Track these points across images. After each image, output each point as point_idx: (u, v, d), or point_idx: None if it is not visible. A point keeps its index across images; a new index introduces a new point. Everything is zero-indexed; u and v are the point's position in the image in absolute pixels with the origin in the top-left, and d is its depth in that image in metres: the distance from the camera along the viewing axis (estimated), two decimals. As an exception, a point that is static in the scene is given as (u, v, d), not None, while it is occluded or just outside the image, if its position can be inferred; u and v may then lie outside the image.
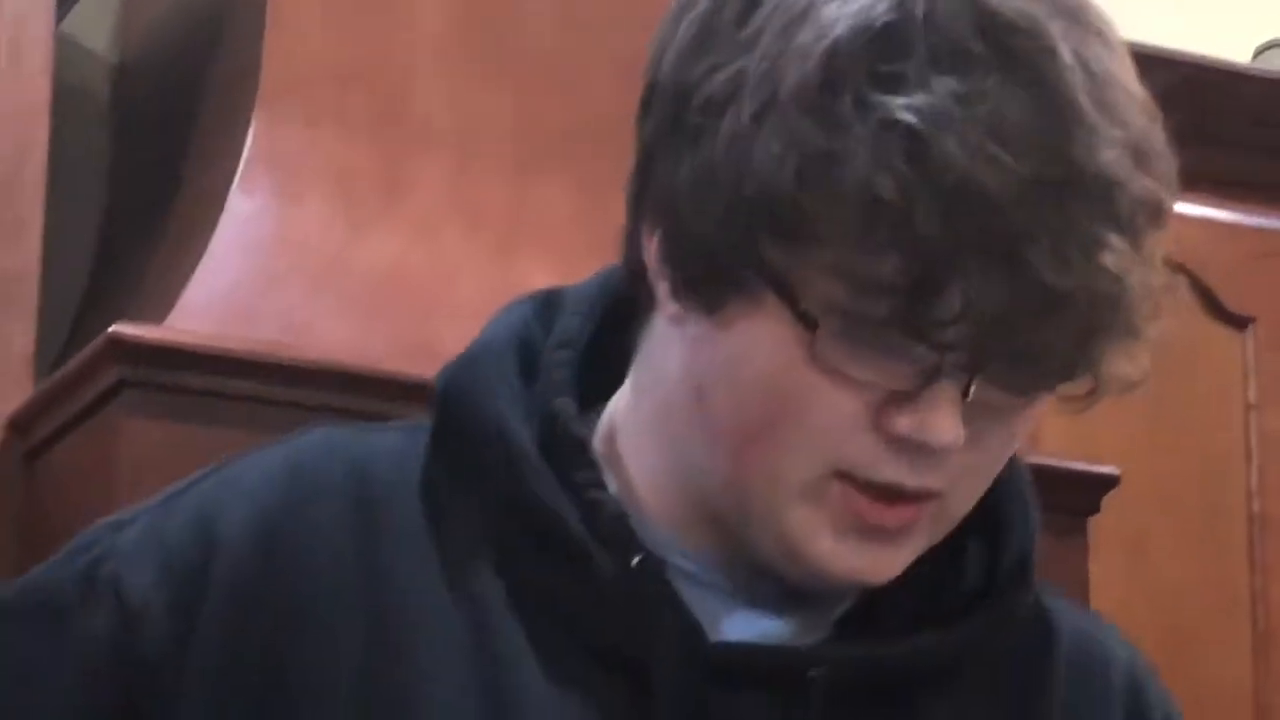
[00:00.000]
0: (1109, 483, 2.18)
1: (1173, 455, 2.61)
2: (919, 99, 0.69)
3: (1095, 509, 2.19)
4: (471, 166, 2.16)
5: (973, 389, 0.72)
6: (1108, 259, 0.70)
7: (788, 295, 0.72)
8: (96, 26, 2.50)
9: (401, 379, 1.76)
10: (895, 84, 0.69)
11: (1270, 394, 2.68)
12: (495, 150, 2.18)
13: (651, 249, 0.77)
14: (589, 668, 0.79)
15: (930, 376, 0.71)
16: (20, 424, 2.02)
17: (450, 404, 0.85)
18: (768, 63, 0.72)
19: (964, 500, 0.79)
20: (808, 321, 0.71)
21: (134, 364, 1.82)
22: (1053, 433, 2.14)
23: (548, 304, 0.89)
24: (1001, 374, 0.72)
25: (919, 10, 0.71)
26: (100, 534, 0.84)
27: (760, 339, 0.74)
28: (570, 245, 2.13)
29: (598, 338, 0.86)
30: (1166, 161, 0.73)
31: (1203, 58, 2.69)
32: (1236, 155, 2.76)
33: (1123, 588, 2.50)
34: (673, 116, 0.76)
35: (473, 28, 2.24)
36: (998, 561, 0.85)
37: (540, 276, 2.01)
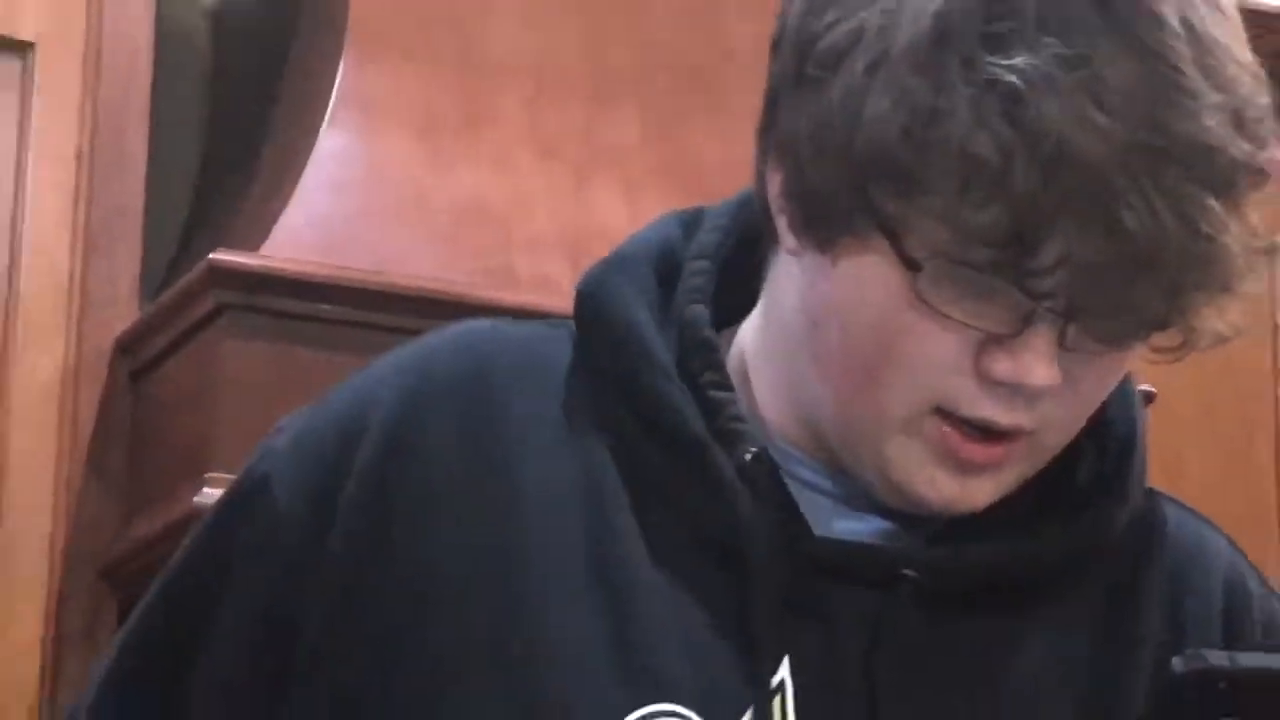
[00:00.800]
0: (1147, 399, 2.17)
1: (1204, 374, 2.52)
2: (1023, 60, 0.70)
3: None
4: (545, 100, 2.20)
5: (1068, 335, 0.74)
6: (1202, 220, 0.72)
7: (894, 239, 0.74)
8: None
9: (482, 303, 1.79)
10: (1002, 44, 0.71)
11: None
12: (568, 83, 2.22)
13: (774, 186, 0.79)
14: (695, 557, 0.81)
15: (1027, 321, 0.73)
16: (127, 346, 2.07)
17: (586, 304, 0.87)
18: (884, 18, 0.74)
19: (1056, 439, 0.81)
20: (912, 264, 0.74)
21: (232, 289, 1.87)
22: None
23: (691, 221, 0.90)
24: (1095, 323, 0.74)
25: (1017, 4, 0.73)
26: (266, 439, 0.90)
27: (869, 278, 0.77)
28: (640, 174, 2.22)
29: (737, 255, 0.88)
30: (1267, 125, 0.74)
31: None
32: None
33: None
34: (796, 64, 0.77)
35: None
36: (1101, 471, 0.87)
37: (611, 204, 2.20)
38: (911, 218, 0.73)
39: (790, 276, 0.82)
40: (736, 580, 0.80)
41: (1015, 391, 0.75)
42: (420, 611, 0.82)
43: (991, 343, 0.74)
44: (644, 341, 0.84)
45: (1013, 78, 0.70)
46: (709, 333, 0.84)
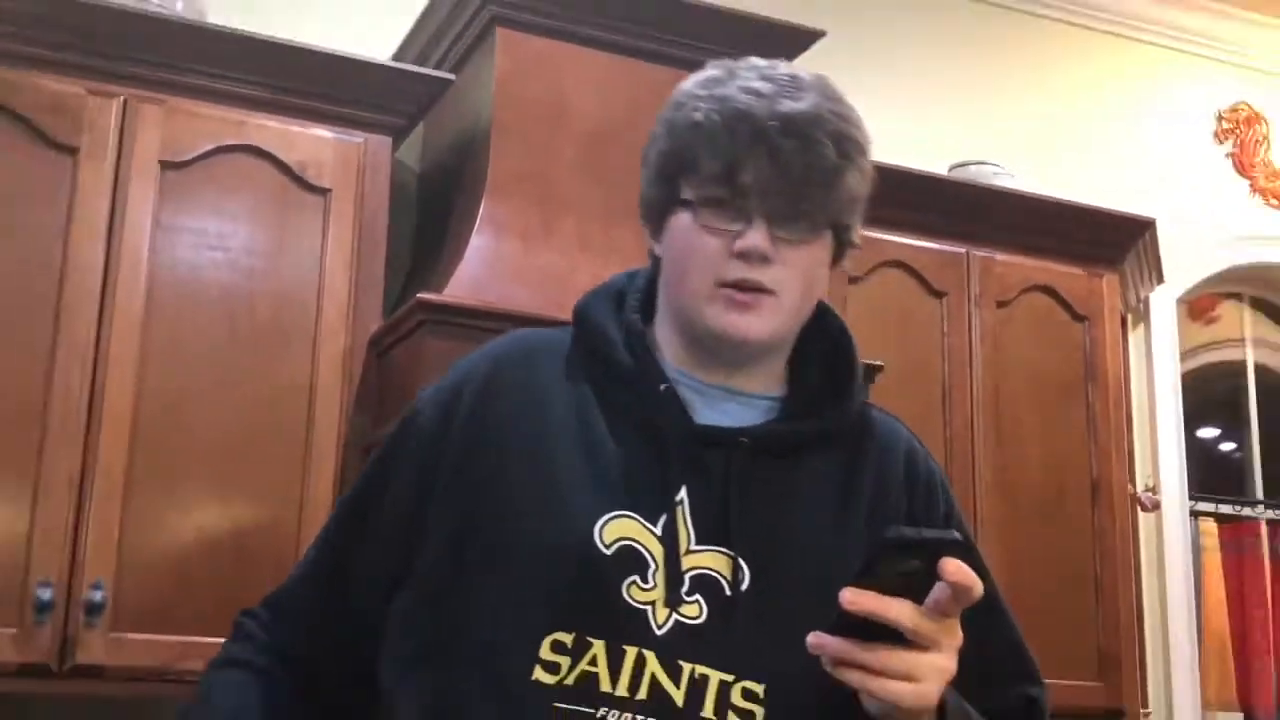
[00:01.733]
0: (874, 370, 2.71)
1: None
2: (718, 84, 1.11)
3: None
4: (594, 225, 2.77)
5: (771, 228, 1.08)
6: (831, 158, 1.07)
7: (681, 200, 1.11)
8: (411, 150, 3.14)
9: (547, 318, 1.94)
10: (709, 86, 1.13)
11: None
12: (606, 217, 2.76)
13: (645, 228, 1.20)
14: (634, 434, 1.13)
15: (749, 222, 1.08)
16: (375, 341, 2.62)
17: (579, 316, 1.21)
18: (667, 113, 1.17)
19: (789, 300, 1.12)
20: (690, 205, 1.11)
21: (429, 311, 2.41)
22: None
23: (633, 273, 1.25)
24: (783, 222, 1.09)
25: (720, 75, 1.14)
26: (421, 393, 1.25)
27: (678, 230, 1.13)
28: (608, 250, 2.69)
29: (654, 290, 1.22)
30: (856, 122, 1.13)
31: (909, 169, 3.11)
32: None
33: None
34: (643, 172, 1.19)
35: (601, 147, 2.83)
36: (840, 387, 1.19)
37: (605, 270, 2.18)
38: (684, 187, 1.11)
39: (660, 271, 1.18)
40: (659, 449, 1.12)
41: (752, 258, 1.08)
42: (501, 466, 1.14)
43: (736, 237, 1.08)
44: (607, 333, 1.18)
45: (712, 90, 1.10)
46: (639, 325, 1.18)
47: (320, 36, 2.82)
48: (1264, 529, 4.30)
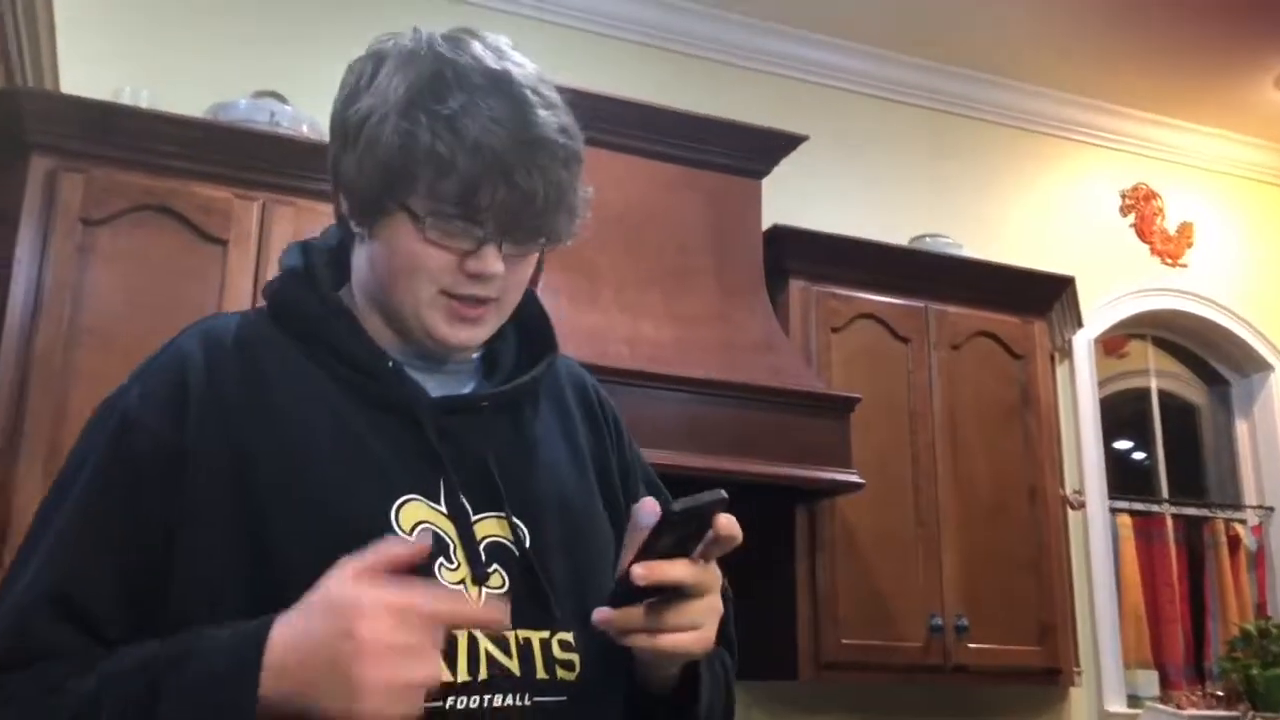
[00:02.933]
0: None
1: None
2: (454, 105, 0.87)
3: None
4: (628, 291, 2.79)
5: (503, 247, 0.91)
6: (558, 180, 0.90)
7: (406, 210, 0.90)
8: None
9: (594, 364, 2.08)
10: (442, 99, 0.88)
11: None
12: (635, 285, 2.81)
13: (343, 208, 0.96)
14: (382, 414, 0.94)
15: (482, 242, 0.90)
16: None
17: (280, 301, 0.99)
18: (375, 98, 0.90)
19: (509, 303, 0.96)
20: (418, 219, 0.90)
21: None
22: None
23: (305, 247, 1.02)
24: (513, 239, 0.92)
25: (448, 75, 0.89)
26: (113, 404, 0.92)
27: (399, 235, 0.91)
28: (643, 313, 2.78)
29: (333, 257, 1.02)
30: (574, 131, 0.92)
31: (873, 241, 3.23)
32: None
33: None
34: (341, 137, 0.93)
35: (627, 230, 2.85)
36: (544, 346, 1.04)
37: (645, 324, 2.73)
38: (412, 199, 0.89)
39: (361, 252, 0.98)
40: (408, 425, 0.93)
41: (482, 278, 0.92)
42: (265, 473, 0.88)
43: (467, 255, 0.90)
44: (316, 315, 0.95)
45: (450, 112, 0.87)
46: (341, 302, 0.97)
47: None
48: (1169, 522, 4.31)
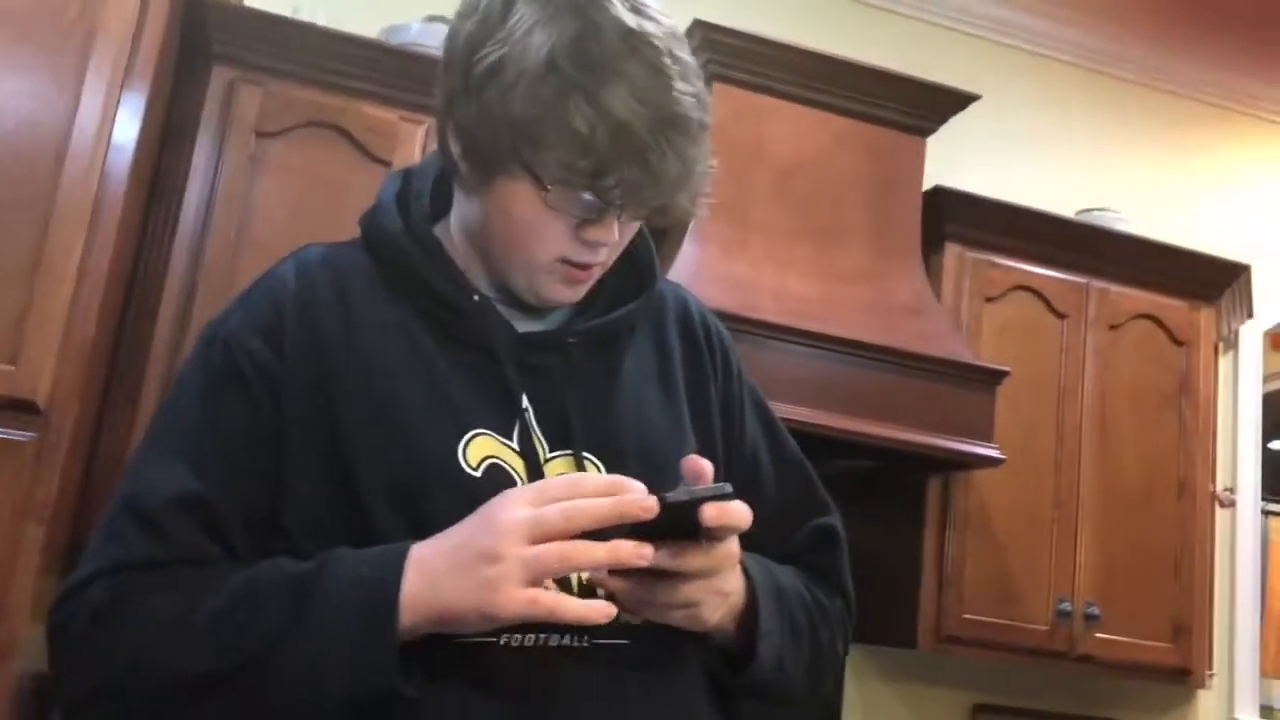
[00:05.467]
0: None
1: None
2: (595, 75, 0.85)
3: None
4: (778, 242, 2.74)
5: (621, 217, 0.91)
6: (687, 158, 0.88)
7: (532, 175, 0.88)
8: None
9: (734, 314, 2.35)
10: (584, 66, 0.85)
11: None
12: (787, 237, 2.76)
13: (456, 149, 0.93)
14: (464, 350, 0.94)
15: (603, 212, 0.89)
16: None
17: (374, 234, 0.99)
18: (516, 49, 0.86)
19: (610, 262, 0.97)
20: (543, 185, 0.88)
21: None
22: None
23: (407, 175, 1.02)
24: (634, 211, 0.91)
25: (590, 41, 0.86)
26: (215, 330, 0.95)
27: (517, 195, 0.90)
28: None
29: (435, 186, 1.01)
30: (706, 102, 0.89)
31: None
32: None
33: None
34: (464, 80, 0.90)
35: (788, 181, 2.82)
36: (644, 279, 1.02)
37: (788, 279, 2.69)
38: (538, 163, 0.87)
39: (469, 196, 0.96)
40: (490, 360, 0.94)
41: (598, 245, 0.92)
42: (343, 396, 0.90)
43: (585, 223, 0.90)
44: (408, 249, 0.95)
45: (591, 86, 0.84)
46: (434, 238, 0.96)
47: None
48: (1325, 530, 4.08)
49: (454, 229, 0.99)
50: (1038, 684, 3.26)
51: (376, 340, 0.93)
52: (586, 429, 0.93)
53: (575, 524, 0.79)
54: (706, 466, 0.87)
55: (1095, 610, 2.96)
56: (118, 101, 2.04)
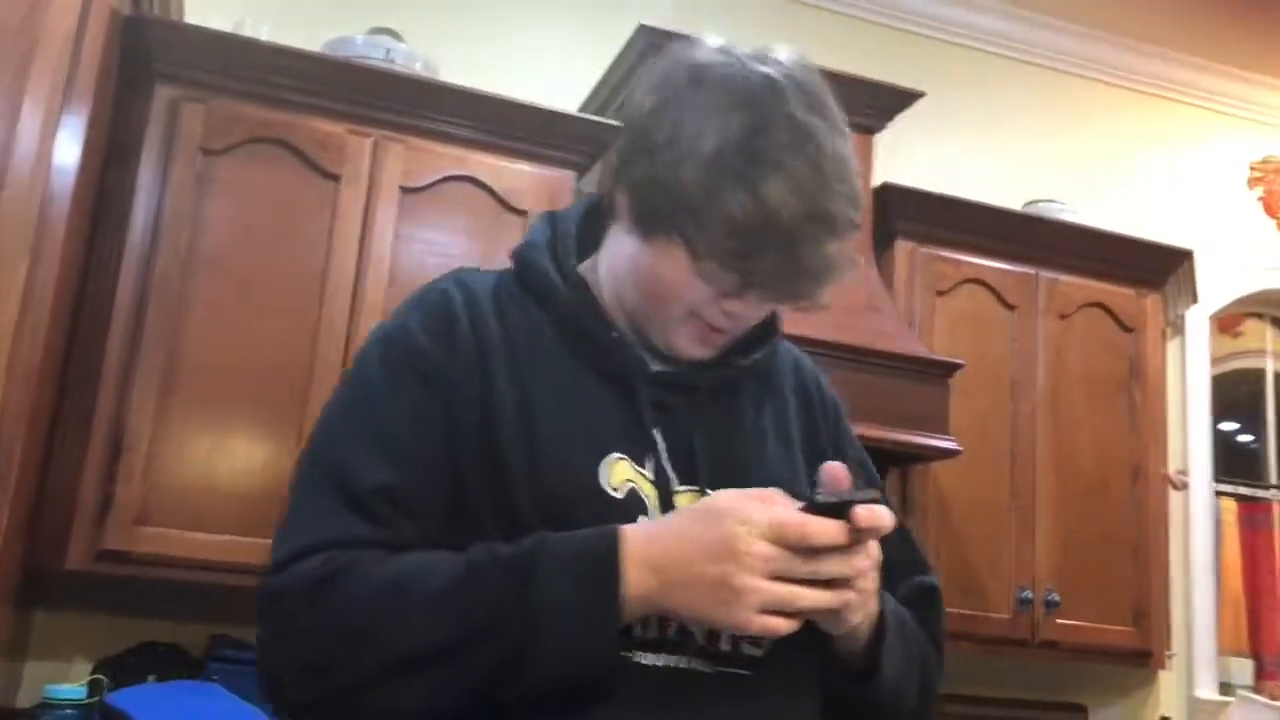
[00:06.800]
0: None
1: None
2: (759, 168, 0.89)
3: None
4: None
5: (764, 298, 0.96)
6: (834, 255, 0.92)
7: (689, 246, 0.93)
8: (590, 182, 2.86)
9: None
10: (749, 159, 0.89)
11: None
12: None
13: (623, 201, 0.98)
14: (605, 381, 1.00)
15: (746, 290, 0.94)
16: None
17: (525, 265, 1.05)
18: (691, 132, 0.91)
19: (745, 329, 1.02)
20: (696, 256, 0.93)
21: None
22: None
23: (553, 217, 1.08)
24: (777, 296, 0.96)
25: (761, 135, 0.89)
26: (391, 330, 1.00)
27: (672, 259, 0.94)
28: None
29: (580, 228, 1.07)
30: (860, 201, 0.92)
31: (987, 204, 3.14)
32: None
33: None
34: (642, 142, 0.95)
35: None
36: (766, 333, 1.06)
37: None
38: (696, 236, 0.91)
39: (623, 241, 1.00)
40: (625, 393, 0.99)
41: (735, 316, 0.97)
42: (499, 405, 0.95)
43: (728, 295, 0.95)
44: (554, 282, 1.01)
45: (755, 180, 0.88)
46: (580, 275, 1.02)
47: (526, 89, 2.82)
48: (1276, 508, 4.17)
49: (601, 270, 1.03)
50: (1002, 672, 3.30)
51: (529, 362, 0.97)
52: (712, 467, 0.97)
53: (816, 578, 0.85)
54: (844, 473, 0.90)
55: (1055, 597, 2.99)
56: (57, 123, 1.98)
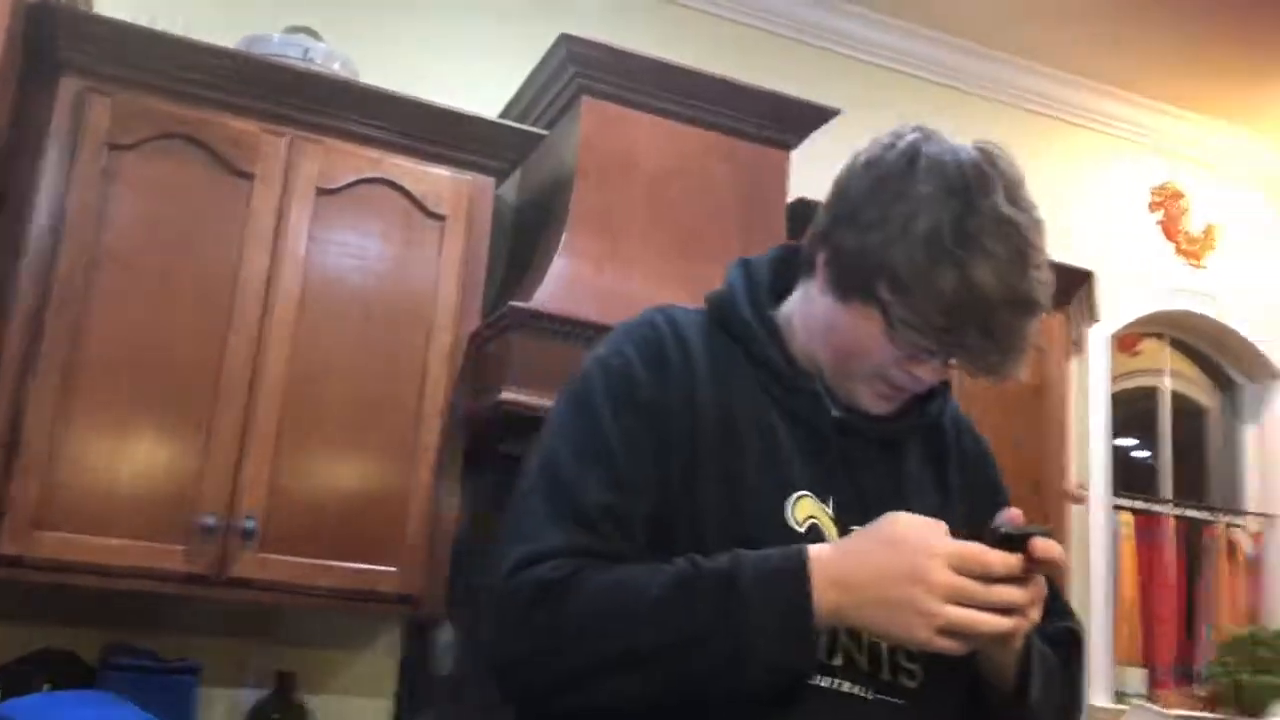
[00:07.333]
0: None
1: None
2: (966, 250, 0.95)
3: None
4: (652, 255, 2.73)
5: (950, 364, 1.02)
6: (1024, 333, 0.98)
7: (886, 314, 0.99)
8: (510, 188, 3.10)
9: (593, 323, 1.95)
10: (959, 240, 0.95)
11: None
12: (662, 249, 2.75)
13: (821, 259, 1.05)
14: (794, 421, 1.06)
15: (936, 356, 1.00)
16: (475, 336, 2.61)
17: (717, 305, 1.12)
18: (905, 212, 0.98)
19: (923, 389, 1.08)
20: (892, 324, 0.99)
21: (519, 316, 2.44)
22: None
23: (747, 264, 1.15)
24: (968, 363, 1.00)
25: (970, 220, 0.96)
26: (608, 361, 1.06)
27: (865, 322, 1.01)
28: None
29: (773, 276, 1.14)
30: (1051, 288, 0.99)
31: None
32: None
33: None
34: (849, 213, 1.02)
35: (661, 193, 2.79)
36: (933, 394, 1.12)
37: (686, 294, 2.48)
38: (894, 304, 0.98)
39: (817, 298, 1.07)
40: (816, 435, 1.06)
41: (918, 379, 1.03)
42: (701, 434, 1.02)
43: (914, 358, 1.01)
44: (754, 330, 1.09)
45: (960, 259, 0.95)
46: (776, 324, 1.10)
47: (446, 94, 2.82)
48: (1171, 523, 4.29)
49: (794, 317, 1.10)
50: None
51: (730, 399, 1.04)
52: (880, 511, 1.00)
53: (991, 605, 0.92)
54: (1020, 514, 0.97)
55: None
56: (-44, 112, 1.94)
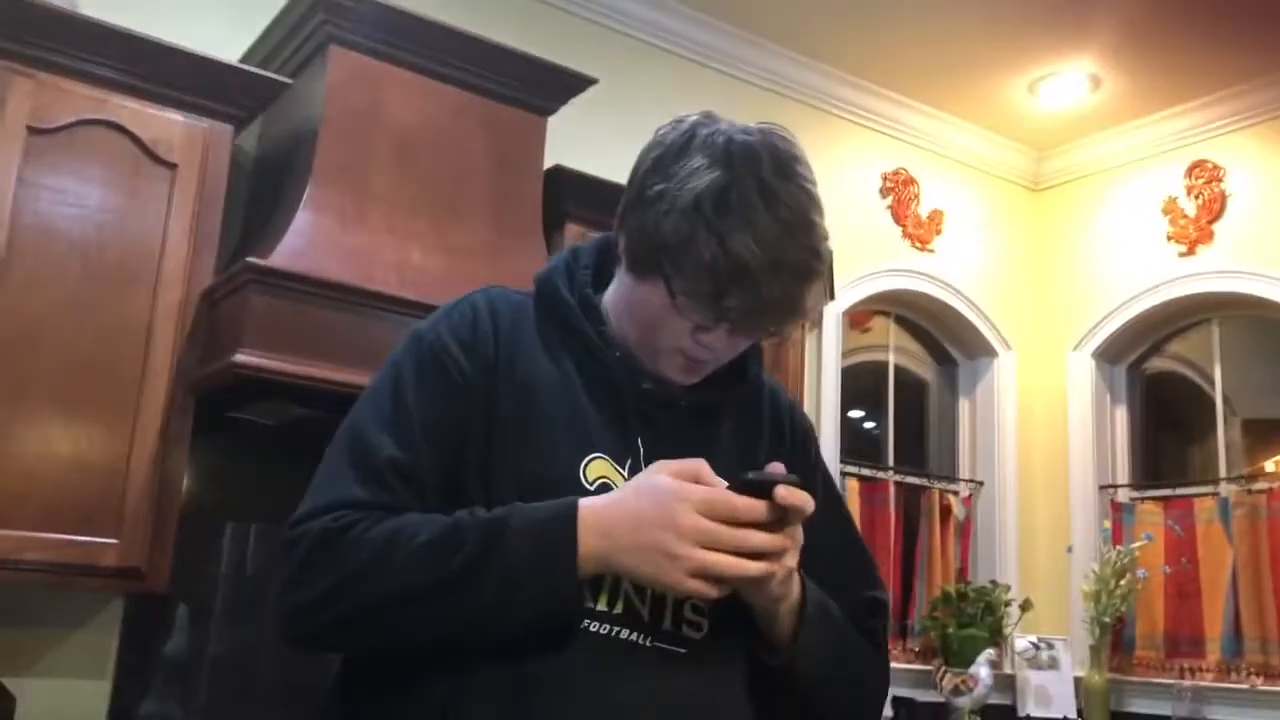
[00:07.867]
0: None
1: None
2: (728, 220, 1.00)
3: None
4: (398, 213, 2.70)
5: (734, 332, 1.07)
6: (798, 297, 1.02)
7: (667, 286, 1.04)
8: (249, 137, 2.98)
9: (351, 284, 2.38)
10: (721, 211, 1.00)
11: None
12: (409, 208, 2.72)
13: (621, 243, 1.11)
14: (600, 391, 1.11)
15: (718, 324, 1.05)
16: (208, 294, 2.51)
17: (544, 288, 1.17)
18: (678, 186, 1.03)
19: (723, 361, 1.13)
20: (674, 296, 1.04)
21: (256, 273, 2.33)
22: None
23: (575, 250, 1.20)
24: (747, 331, 1.07)
25: (731, 192, 1.01)
26: (424, 334, 1.14)
27: (653, 296, 1.07)
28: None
29: (597, 262, 1.19)
30: (821, 252, 1.03)
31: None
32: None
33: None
34: (637, 194, 1.08)
35: (409, 151, 2.71)
36: (747, 368, 1.19)
37: (436, 256, 2.58)
38: (674, 277, 1.03)
39: (621, 282, 1.14)
40: (618, 404, 1.12)
41: (709, 348, 1.09)
42: (505, 405, 1.08)
43: (702, 328, 1.07)
44: (569, 304, 1.15)
45: (722, 230, 1.00)
46: (592, 299, 1.16)
47: (182, 34, 2.67)
48: (892, 488, 4.54)
49: (610, 301, 1.15)
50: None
51: (536, 371, 1.09)
52: None
53: (741, 549, 0.97)
54: (780, 466, 1.01)
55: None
56: None
